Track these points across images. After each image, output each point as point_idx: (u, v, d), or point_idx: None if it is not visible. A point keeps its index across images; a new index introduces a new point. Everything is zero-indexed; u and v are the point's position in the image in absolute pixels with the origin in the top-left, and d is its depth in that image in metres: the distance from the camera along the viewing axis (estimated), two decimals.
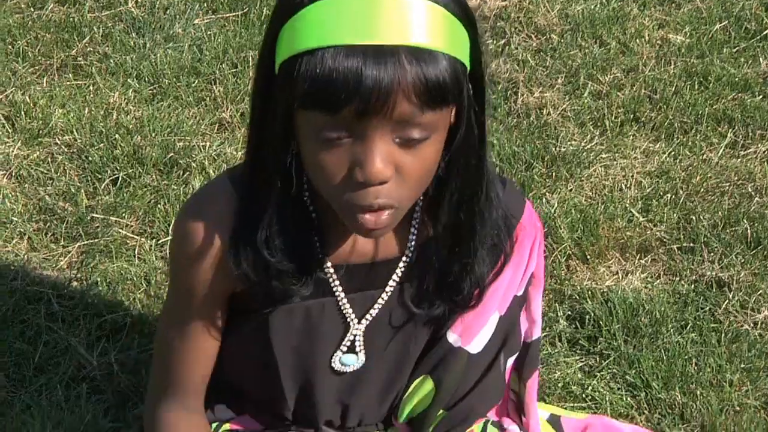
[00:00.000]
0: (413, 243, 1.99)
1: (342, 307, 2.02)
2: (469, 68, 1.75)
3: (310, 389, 2.11)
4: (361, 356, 2.07)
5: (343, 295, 2.00)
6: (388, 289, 2.02)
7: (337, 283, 1.99)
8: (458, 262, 1.96)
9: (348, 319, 2.03)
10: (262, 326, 2.03)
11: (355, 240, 1.97)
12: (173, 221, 1.99)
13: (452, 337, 2.06)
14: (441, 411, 2.11)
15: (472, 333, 2.07)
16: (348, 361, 2.07)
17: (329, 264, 1.97)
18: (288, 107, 1.72)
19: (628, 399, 2.66)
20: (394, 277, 2.01)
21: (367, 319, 2.04)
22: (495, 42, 3.64)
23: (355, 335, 2.05)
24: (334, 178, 1.73)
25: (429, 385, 2.10)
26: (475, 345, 2.06)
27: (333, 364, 2.07)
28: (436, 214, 1.94)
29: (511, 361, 2.13)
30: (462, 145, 1.82)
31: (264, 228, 1.88)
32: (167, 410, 2.06)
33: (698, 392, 2.64)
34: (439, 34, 1.68)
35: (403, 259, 2.00)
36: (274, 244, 1.89)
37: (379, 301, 2.02)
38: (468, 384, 2.11)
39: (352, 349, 2.06)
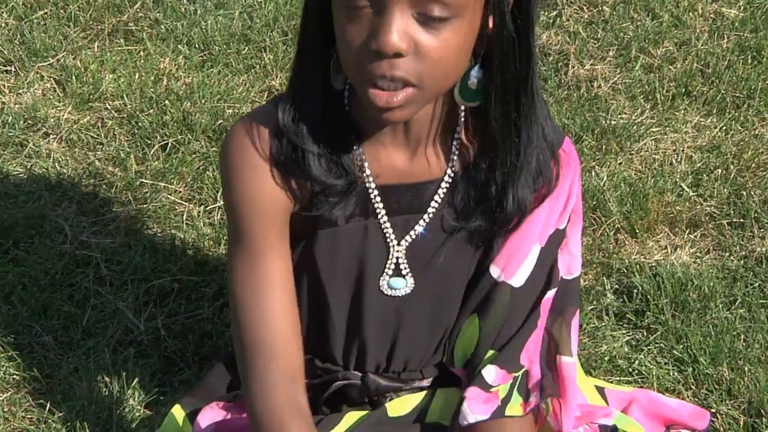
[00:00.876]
0: (455, 163, 2.00)
1: (384, 229, 2.03)
2: None
3: (358, 322, 2.11)
4: (409, 280, 2.08)
5: (385, 216, 2.02)
6: (429, 210, 2.03)
7: (379, 203, 2.01)
8: (499, 178, 1.96)
9: (389, 242, 2.04)
10: (309, 252, 2.04)
11: (398, 160, 1.99)
12: (221, 147, 2.00)
13: (495, 271, 2.06)
14: (491, 351, 2.11)
15: (514, 266, 2.07)
16: (396, 285, 2.08)
17: (372, 182, 1.99)
18: None
19: (675, 374, 2.64)
20: (436, 198, 2.02)
21: (407, 240, 2.05)
22: (546, 14, 3.62)
23: (397, 257, 2.05)
24: (353, 47, 1.76)
25: (475, 323, 2.11)
26: (518, 278, 2.07)
27: (382, 288, 2.08)
28: (479, 128, 1.95)
29: (549, 294, 2.12)
30: (501, 53, 1.83)
31: (307, 126, 1.92)
32: (269, 398, 1.96)
33: (746, 368, 2.62)
34: None
35: (445, 179, 2.01)
36: (313, 135, 1.93)
37: (420, 222, 2.04)
38: (514, 322, 2.11)
39: (398, 273, 2.07)
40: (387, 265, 2.06)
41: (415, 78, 1.76)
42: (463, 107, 1.95)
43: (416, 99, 1.80)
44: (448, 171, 2.01)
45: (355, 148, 1.95)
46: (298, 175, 1.95)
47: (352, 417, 2.17)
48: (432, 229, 2.05)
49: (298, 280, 2.05)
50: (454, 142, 1.99)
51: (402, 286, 2.08)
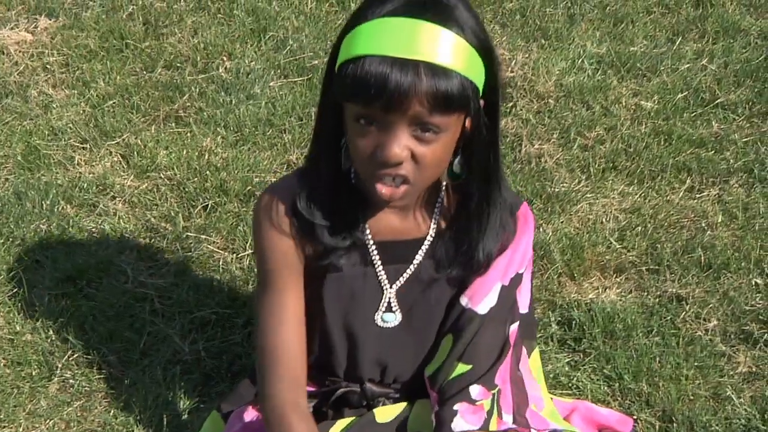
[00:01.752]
0: (437, 223, 2.03)
1: (379, 276, 2.05)
2: (481, 90, 1.81)
3: (357, 347, 2.12)
4: (398, 314, 2.10)
5: (381, 266, 2.05)
6: (415, 261, 2.05)
7: (376, 255, 2.04)
8: (470, 239, 2.00)
9: (383, 285, 2.06)
10: (317, 293, 2.05)
11: (392, 221, 2.02)
12: (255, 204, 2.05)
13: (464, 300, 2.08)
14: (460, 365, 2.10)
15: (480, 297, 2.08)
16: (388, 318, 2.10)
17: (371, 239, 2.02)
18: (338, 100, 1.82)
19: (605, 388, 2.63)
20: (421, 251, 2.04)
21: (397, 285, 2.07)
22: (504, 105, 3.62)
23: (389, 298, 2.06)
24: (364, 155, 1.81)
25: (449, 340, 2.12)
26: (482, 307, 2.08)
27: (377, 321, 2.10)
28: (458, 200, 2.00)
29: (513, 327, 2.13)
30: (475, 147, 1.89)
31: (309, 195, 1.96)
32: (275, 399, 1.99)
33: (661, 384, 2.61)
34: (455, 58, 1.74)
35: (428, 238, 2.04)
36: (324, 211, 1.96)
37: (408, 271, 2.06)
38: (491, 347, 2.11)
39: (390, 309, 2.09)
40: (381, 304, 2.07)
41: (411, 177, 1.83)
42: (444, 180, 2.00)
43: (412, 192, 1.87)
44: (431, 230, 2.03)
45: (358, 215, 1.99)
46: (310, 239, 1.98)
47: (343, 422, 2.16)
48: (418, 275, 2.06)
49: (309, 312, 2.06)
50: (437, 207, 2.02)
51: (392, 319, 2.10)
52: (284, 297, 2.02)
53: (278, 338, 2.01)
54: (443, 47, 1.73)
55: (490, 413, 2.07)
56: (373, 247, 2.02)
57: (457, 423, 2.05)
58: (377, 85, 1.72)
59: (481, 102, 1.83)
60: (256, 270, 2.16)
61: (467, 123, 1.85)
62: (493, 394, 2.09)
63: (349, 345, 2.13)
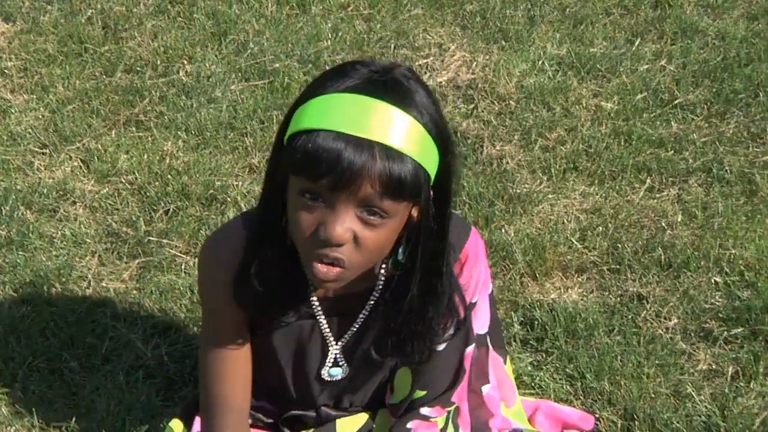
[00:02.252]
0: (382, 280, 1.97)
1: (323, 330, 2.01)
2: (433, 179, 1.74)
3: (309, 389, 2.11)
4: (345, 368, 2.07)
5: (323, 319, 2.00)
6: (360, 317, 2.01)
7: (319, 310, 1.99)
8: (410, 335, 1.94)
9: (328, 341, 2.02)
10: (267, 341, 2.03)
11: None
12: (198, 256, 2.00)
13: (417, 356, 2.00)
14: (420, 392, 2.10)
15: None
16: (334, 373, 2.08)
17: (314, 295, 1.97)
18: (285, 172, 1.73)
19: (568, 387, 2.64)
20: (367, 306, 1.99)
21: (342, 342, 2.03)
22: (466, 106, 3.63)
23: (335, 354, 2.04)
24: (306, 232, 1.72)
25: (407, 373, 2.09)
26: (440, 345, 2.04)
27: (323, 375, 2.07)
28: (395, 291, 1.92)
29: (468, 350, 2.10)
30: (421, 237, 1.81)
31: (259, 267, 1.87)
32: None
33: (622, 382, 2.63)
34: (411, 143, 1.67)
35: (375, 291, 1.98)
36: (267, 280, 1.88)
37: (353, 327, 2.02)
38: (446, 373, 2.10)
39: (336, 364, 2.05)
40: (327, 360, 2.05)
41: (347, 262, 1.75)
42: None
43: (345, 276, 1.78)
44: (375, 290, 1.98)
45: (302, 279, 1.91)
46: (253, 312, 1.95)
47: None
48: (364, 332, 2.02)
49: (257, 351, 2.05)
50: (382, 264, 1.96)
51: (339, 373, 2.08)
52: (229, 344, 2.02)
53: (222, 383, 2.03)
54: (399, 130, 1.66)
55: (443, 430, 2.07)
56: (317, 304, 1.99)
57: None
58: (329, 161, 1.64)
59: (431, 192, 1.77)
60: (201, 326, 2.14)
61: (414, 212, 1.79)
62: (449, 412, 2.09)
63: (302, 385, 2.12)
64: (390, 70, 1.72)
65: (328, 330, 2.01)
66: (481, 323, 2.13)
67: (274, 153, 1.82)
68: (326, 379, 2.07)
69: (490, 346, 2.20)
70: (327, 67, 3.76)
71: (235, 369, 2.02)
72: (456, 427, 2.09)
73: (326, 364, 2.05)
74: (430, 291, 1.89)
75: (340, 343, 2.04)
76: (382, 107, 1.66)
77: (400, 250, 1.85)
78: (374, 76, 1.71)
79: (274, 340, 2.03)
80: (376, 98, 1.67)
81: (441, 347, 2.05)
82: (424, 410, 2.08)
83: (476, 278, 2.05)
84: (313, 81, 1.76)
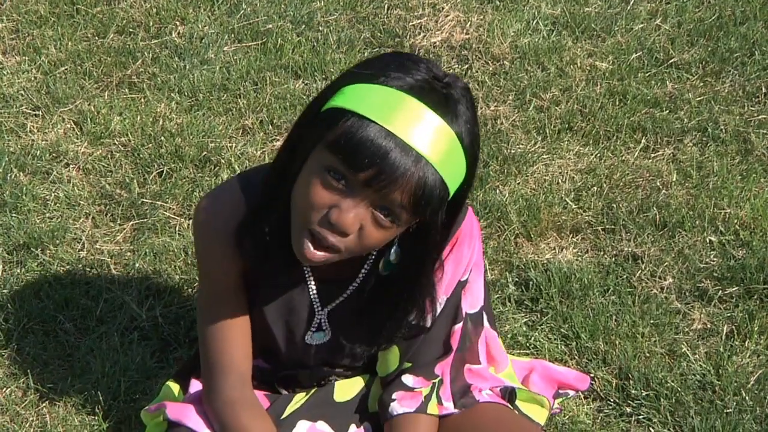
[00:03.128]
0: (374, 255, 1.97)
1: (311, 294, 2.00)
2: (450, 196, 1.74)
3: (296, 351, 2.11)
4: (327, 333, 2.06)
5: (313, 283, 1.99)
6: (350, 288, 2.00)
7: (309, 274, 1.98)
8: (380, 322, 1.98)
9: (315, 305, 2.01)
10: (258, 303, 2.03)
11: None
12: (192, 217, 1.98)
13: (410, 316, 2.02)
14: (407, 364, 2.11)
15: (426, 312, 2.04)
16: (318, 337, 2.07)
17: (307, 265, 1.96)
18: (317, 141, 1.70)
19: (563, 347, 2.65)
20: (359, 276, 1.99)
21: (329, 308, 2.03)
22: (460, 66, 3.61)
23: (320, 318, 2.03)
24: (314, 207, 1.70)
25: (396, 350, 2.10)
26: (428, 320, 2.04)
27: (306, 339, 2.07)
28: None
29: (456, 327, 2.10)
30: (417, 239, 1.81)
31: (262, 227, 1.86)
32: (225, 397, 2.01)
33: (617, 342, 2.63)
34: (448, 166, 1.68)
35: (369, 259, 1.97)
36: (268, 241, 1.87)
37: (342, 295, 2.01)
38: (433, 348, 2.10)
39: (320, 328, 2.05)
40: (312, 325, 2.05)
41: (343, 248, 1.74)
42: None
43: (334, 259, 1.78)
44: (369, 258, 1.97)
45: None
46: (252, 246, 1.92)
47: (301, 397, 2.15)
48: (353, 302, 2.02)
49: (253, 316, 2.05)
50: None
51: (321, 337, 2.08)
52: (227, 306, 2.01)
53: (223, 345, 2.01)
54: (443, 151, 1.66)
55: (428, 398, 2.08)
56: (308, 268, 1.98)
57: (394, 407, 2.07)
58: (374, 156, 1.62)
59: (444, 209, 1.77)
60: (197, 276, 2.13)
61: (414, 222, 1.79)
62: (434, 383, 2.10)
63: (291, 346, 2.12)
64: (451, 84, 1.71)
65: (316, 295, 2.01)
66: (471, 302, 2.12)
67: (307, 116, 1.77)
68: (309, 343, 2.07)
69: (486, 325, 2.19)
70: (320, 29, 3.74)
71: (233, 330, 2.02)
72: (439, 398, 2.09)
73: (311, 327, 2.05)
74: (411, 292, 1.92)
75: (326, 309, 2.03)
76: (438, 124, 1.66)
77: (393, 251, 1.86)
78: (436, 84, 1.69)
79: (264, 301, 2.03)
80: (434, 111, 1.66)
81: (429, 324, 2.05)
82: (407, 379, 2.08)
83: (468, 258, 2.05)
84: (372, 60, 1.74)
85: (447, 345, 2.10)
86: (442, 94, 1.68)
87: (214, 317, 2.01)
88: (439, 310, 2.04)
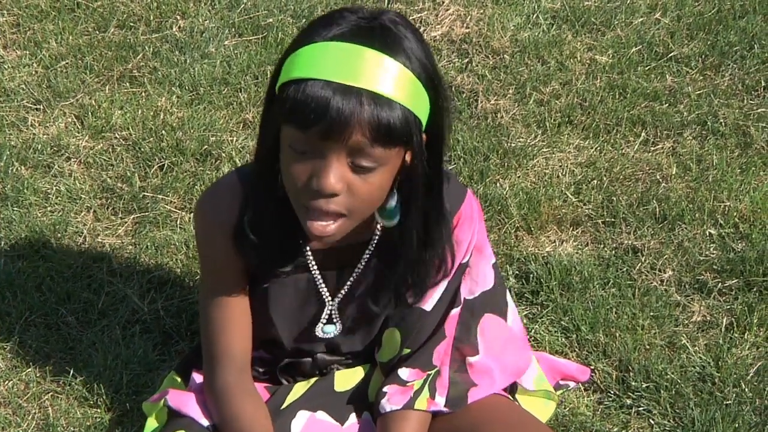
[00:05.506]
0: (378, 232, 1.97)
1: (318, 285, 2.01)
2: (425, 124, 1.74)
3: (303, 342, 2.11)
4: (338, 326, 2.07)
5: (317, 273, 2.00)
6: (355, 272, 2.01)
7: (313, 263, 1.98)
8: (405, 283, 1.96)
9: (324, 297, 2.02)
10: (263, 294, 2.03)
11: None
12: (193, 211, 2.00)
13: (411, 299, 2.03)
14: (406, 350, 2.10)
15: (427, 297, 2.05)
16: (328, 330, 2.08)
17: (308, 248, 1.96)
18: (277, 122, 1.74)
19: (563, 339, 2.65)
20: (363, 259, 2.00)
21: (339, 297, 2.03)
22: (460, 60, 3.61)
23: (331, 310, 2.04)
24: (298, 183, 1.73)
25: (397, 334, 2.09)
26: (429, 304, 2.05)
27: (317, 332, 2.08)
28: (394, 237, 1.92)
29: (454, 312, 2.10)
30: (414, 184, 1.81)
31: (256, 218, 1.88)
32: (222, 382, 2.03)
33: (617, 334, 2.63)
34: (400, 89, 1.68)
35: (371, 243, 1.98)
36: (263, 231, 1.89)
37: (350, 280, 2.02)
38: (424, 332, 2.10)
39: (331, 321, 2.05)
40: (323, 317, 2.05)
41: (345, 210, 1.75)
42: None
43: (346, 226, 1.79)
44: (374, 234, 1.98)
45: (297, 231, 1.89)
46: (252, 260, 1.94)
47: (301, 387, 2.16)
48: (360, 287, 2.03)
49: (254, 308, 2.06)
50: (378, 225, 1.96)
51: (332, 331, 2.09)
52: (228, 296, 2.03)
53: (223, 336, 2.03)
54: (387, 77, 1.67)
55: (417, 393, 2.07)
56: (310, 256, 1.99)
57: (383, 405, 2.07)
58: (318, 109, 1.65)
59: (424, 136, 1.77)
60: (199, 269, 2.14)
61: (408, 157, 1.79)
62: (429, 375, 2.09)
63: (297, 340, 2.13)
64: (378, 16, 1.73)
65: (323, 285, 2.01)
66: (470, 287, 2.12)
67: (266, 104, 1.82)
68: (319, 336, 2.08)
69: (491, 313, 2.17)
70: None
71: (235, 321, 2.03)
72: (433, 390, 2.08)
73: (321, 320, 2.06)
74: (426, 240, 1.90)
75: (336, 298, 2.04)
76: (370, 54, 1.67)
77: (393, 199, 1.85)
78: (362, 22, 1.72)
79: (270, 294, 2.03)
80: (364, 46, 1.68)
81: (429, 308, 2.05)
82: (403, 373, 2.08)
83: (469, 240, 2.05)
84: (302, 30, 1.77)
85: (439, 328, 2.09)
86: (369, 29, 1.71)
87: (214, 306, 2.03)
88: (438, 292, 2.04)
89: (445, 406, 2.09)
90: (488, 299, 2.17)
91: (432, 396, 2.08)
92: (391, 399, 2.06)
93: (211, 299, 2.03)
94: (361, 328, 2.10)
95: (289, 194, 1.79)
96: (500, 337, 2.18)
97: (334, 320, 2.06)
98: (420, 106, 1.72)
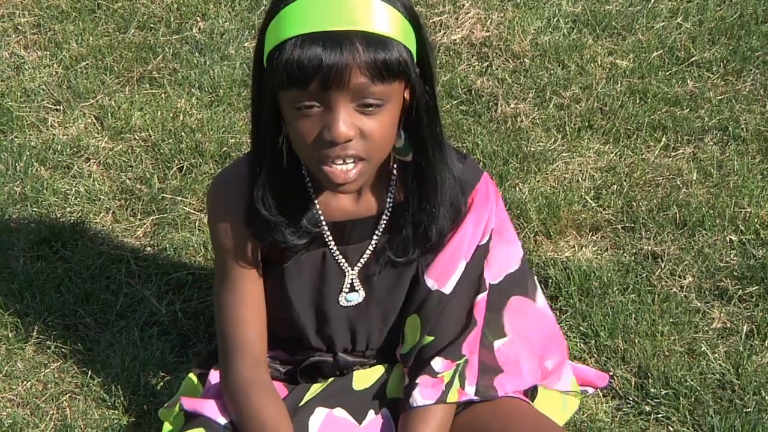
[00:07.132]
0: (391, 203, 2.01)
1: (336, 257, 2.04)
2: (415, 55, 1.81)
3: (325, 322, 2.12)
4: (361, 293, 2.09)
5: (335, 247, 2.03)
6: (373, 241, 2.04)
7: (330, 238, 2.02)
8: (425, 215, 1.98)
9: (343, 267, 2.04)
10: (279, 276, 2.05)
11: (346, 202, 2.00)
12: (206, 203, 2.04)
13: (430, 282, 2.06)
14: (428, 338, 2.09)
15: (446, 277, 2.07)
16: (351, 298, 2.10)
17: (323, 221, 1.99)
18: (273, 91, 1.78)
19: (582, 345, 2.64)
20: (378, 231, 2.03)
21: (358, 266, 2.06)
22: (480, 64, 3.61)
23: (352, 279, 2.05)
24: (309, 140, 1.78)
25: (416, 320, 2.10)
26: (448, 287, 2.07)
27: (340, 301, 2.09)
28: (408, 177, 1.97)
29: (480, 297, 2.10)
30: (417, 118, 1.87)
31: (261, 191, 1.92)
32: (239, 378, 2.04)
33: (636, 340, 2.62)
34: (392, 26, 1.75)
35: (384, 216, 2.01)
36: (275, 205, 1.92)
37: (367, 251, 2.05)
38: (453, 319, 2.10)
39: (353, 289, 2.07)
40: (344, 286, 2.07)
41: (364, 153, 1.80)
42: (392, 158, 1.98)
43: (367, 170, 1.84)
44: (388, 207, 2.02)
45: (310, 204, 1.96)
46: (266, 237, 1.96)
47: (319, 385, 2.16)
48: (378, 253, 2.05)
49: (272, 295, 2.07)
50: (391, 186, 2.01)
51: (356, 298, 2.10)
52: (241, 286, 2.04)
53: (238, 325, 2.04)
54: (379, 15, 1.73)
55: (449, 385, 2.07)
56: (326, 229, 2.02)
57: (415, 398, 2.06)
58: (314, 61, 1.70)
59: (417, 68, 1.83)
60: (214, 257, 2.15)
61: (406, 94, 1.85)
62: (458, 365, 2.09)
63: (318, 323, 2.13)
64: None
65: (342, 258, 2.04)
66: (493, 272, 2.12)
67: (255, 78, 1.86)
68: (343, 305, 2.08)
69: (519, 295, 2.18)
70: None
71: (249, 312, 2.04)
72: (462, 379, 2.08)
73: (344, 289, 2.07)
74: (436, 168, 1.93)
75: (356, 267, 2.06)
76: None
77: (402, 138, 1.90)
78: None
79: (287, 276, 2.05)
80: None
81: (448, 291, 2.05)
82: (436, 363, 2.08)
83: (486, 220, 2.08)
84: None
85: (470, 316, 2.10)
86: None
87: (230, 297, 2.05)
88: (458, 275, 2.06)
89: (475, 395, 2.09)
90: (514, 280, 2.18)
91: (462, 386, 2.08)
92: (423, 393, 2.06)
93: (225, 288, 2.05)
94: (384, 295, 2.10)
95: (303, 155, 1.84)
96: (528, 317, 2.20)
97: (356, 288, 2.07)
98: (409, 40, 1.79)
